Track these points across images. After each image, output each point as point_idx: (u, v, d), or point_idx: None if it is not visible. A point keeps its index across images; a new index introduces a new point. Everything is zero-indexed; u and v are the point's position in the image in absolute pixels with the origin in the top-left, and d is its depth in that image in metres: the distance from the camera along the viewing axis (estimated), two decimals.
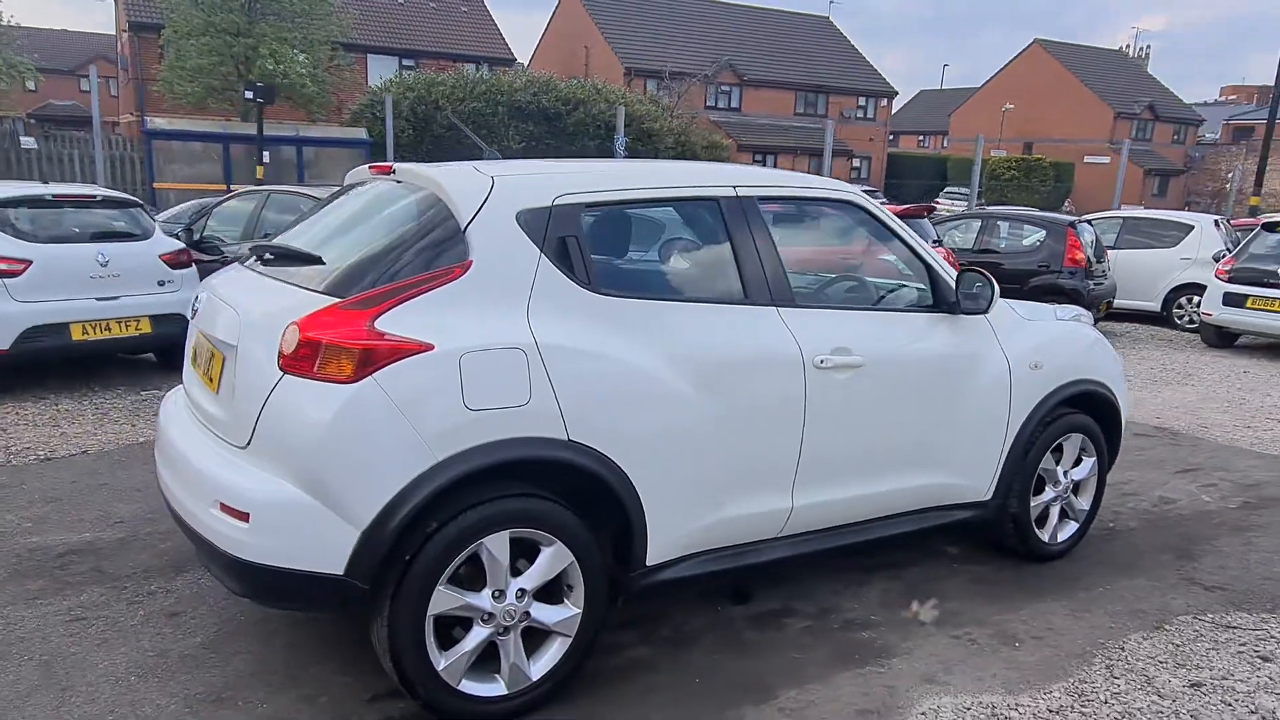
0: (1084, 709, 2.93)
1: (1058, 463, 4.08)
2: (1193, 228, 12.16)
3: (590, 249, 2.90)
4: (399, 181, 3.09)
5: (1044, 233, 10.68)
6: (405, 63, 32.58)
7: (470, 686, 2.68)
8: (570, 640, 2.82)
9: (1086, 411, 4.10)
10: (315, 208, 3.45)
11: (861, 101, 44.37)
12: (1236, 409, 7.46)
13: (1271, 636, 3.47)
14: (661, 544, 2.95)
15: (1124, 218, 13.09)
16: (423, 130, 21.60)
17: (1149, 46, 64.83)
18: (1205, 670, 3.21)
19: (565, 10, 42.22)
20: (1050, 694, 3.02)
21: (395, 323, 2.52)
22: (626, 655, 3.19)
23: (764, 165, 39.36)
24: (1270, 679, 3.15)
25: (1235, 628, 3.54)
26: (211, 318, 2.94)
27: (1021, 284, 9.96)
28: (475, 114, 21.99)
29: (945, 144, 58.47)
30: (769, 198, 3.36)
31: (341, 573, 2.47)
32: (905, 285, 3.81)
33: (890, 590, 3.77)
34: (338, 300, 2.59)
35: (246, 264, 3.19)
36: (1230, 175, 31.72)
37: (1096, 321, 6.03)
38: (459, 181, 2.82)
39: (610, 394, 2.76)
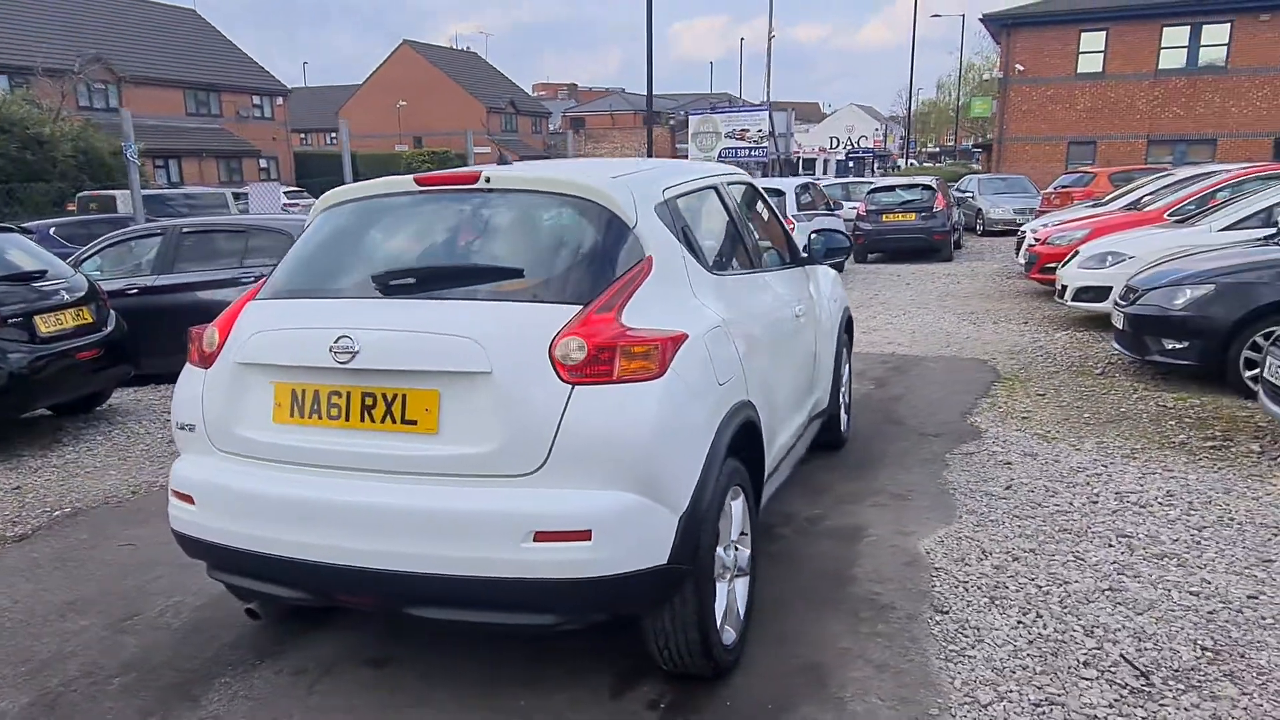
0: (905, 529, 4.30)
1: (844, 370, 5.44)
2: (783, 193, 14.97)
3: (693, 234, 3.26)
4: (515, 190, 3.01)
5: None
6: None
7: (727, 640, 2.96)
8: (748, 577, 3.22)
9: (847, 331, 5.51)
10: (354, 227, 3.09)
11: (257, 100, 42.42)
12: None
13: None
14: (767, 481, 3.49)
15: None
16: None
17: (467, 47, 72.15)
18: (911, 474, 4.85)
19: None
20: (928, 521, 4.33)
21: (633, 319, 2.66)
22: None
23: (165, 170, 35.82)
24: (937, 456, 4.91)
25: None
26: (386, 355, 2.58)
27: None
28: None
29: (332, 140, 58.81)
30: (734, 182, 3.99)
31: (666, 561, 2.57)
32: (774, 247, 4.72)
33: (794, 492, 4.72)
34: (581, 307, 2.61)
35: (355, 296, 2.87)
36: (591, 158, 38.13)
37: None
38: (610, 185, 2.93)
39: (747, 353, 3.20)
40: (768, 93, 40.60)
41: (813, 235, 4.66)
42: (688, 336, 2.71)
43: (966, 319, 10.29)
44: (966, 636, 3.21)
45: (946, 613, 3.39)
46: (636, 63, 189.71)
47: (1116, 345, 7.36)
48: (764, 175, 27.35)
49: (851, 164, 54.90)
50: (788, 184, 13.95)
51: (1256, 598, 3.43)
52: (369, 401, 2.63)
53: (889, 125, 67.72)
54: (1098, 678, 2.92)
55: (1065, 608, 3.39)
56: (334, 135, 58.09)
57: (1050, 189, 20.28)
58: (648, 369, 2.54)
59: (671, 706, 2.85)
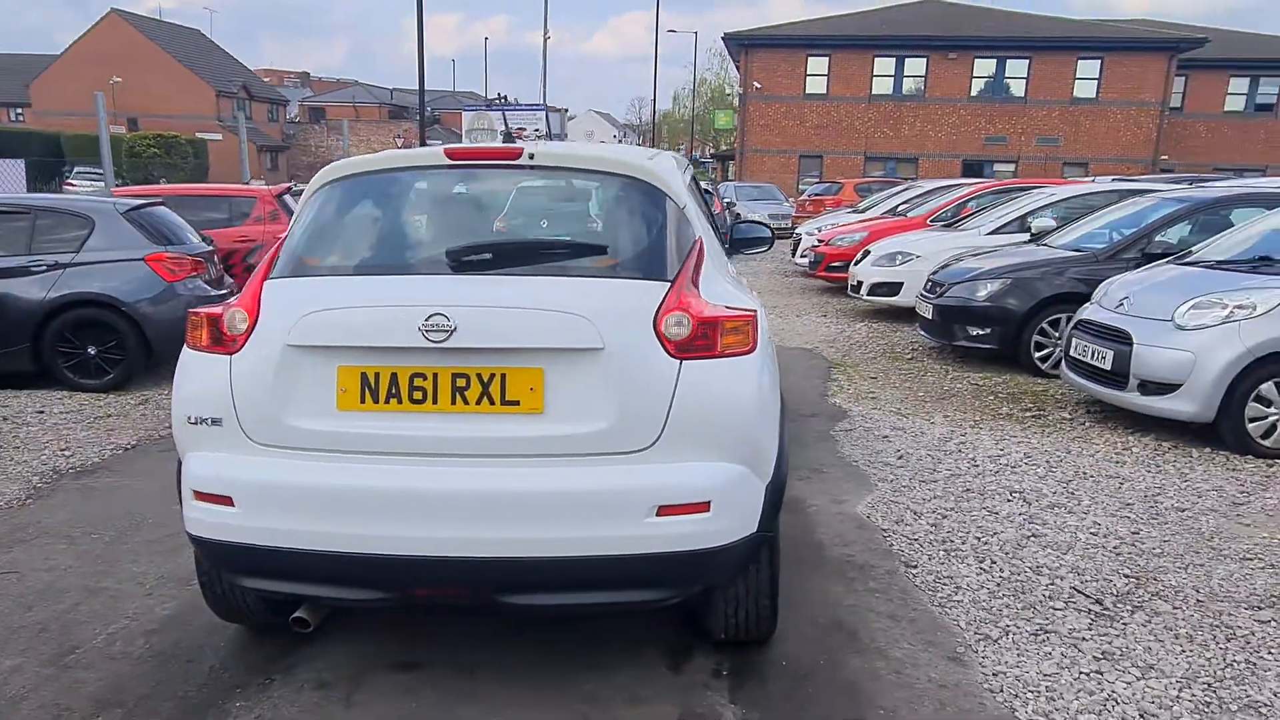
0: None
1: None
2: None
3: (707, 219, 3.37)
4: (563, 169, 2.93)
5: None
6: None
7: None
8: None
9: None
10: (402, 203, 2.88)
11: None
12: None
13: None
14: None
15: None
16: None
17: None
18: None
19: None
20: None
21: (710, 297, 2.73)
22: None
23: None
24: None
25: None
26: (487, 333, 2.45)
27: None
28: None
29: (18, 115, 51.20)
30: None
31: (756, 529, 2.66)
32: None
33: None
34: (669, 284, 2.64)
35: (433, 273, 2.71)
36: (339, 151, 36.35)
37: None
38: (658, 166, 2.96)
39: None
40: (544, 93, 40.72)
41: (736, 226, 4.90)
42: (755, 312, 2.82)
43: (772, 312, 11.07)
44: (946, 586, 3.59)
45: (916, 567, 3.76)
46: (368, 53, 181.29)
47: (924, 332, 8.33)
48: None
49: None
50: None
51: (1139, 533, 4.12)
52: (461, 383, 2.49)
53: (625, 132, 70.38)
54: (1065, 608, 3.40)
55: (1007, 554, 3.88)
56: (19, 111, 50.50)
57: (805, 196, 22.25)
58: (743, 344, 2.62)
59: (735, 673, 2.95)
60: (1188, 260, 6.27)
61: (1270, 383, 5.20)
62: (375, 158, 2.99)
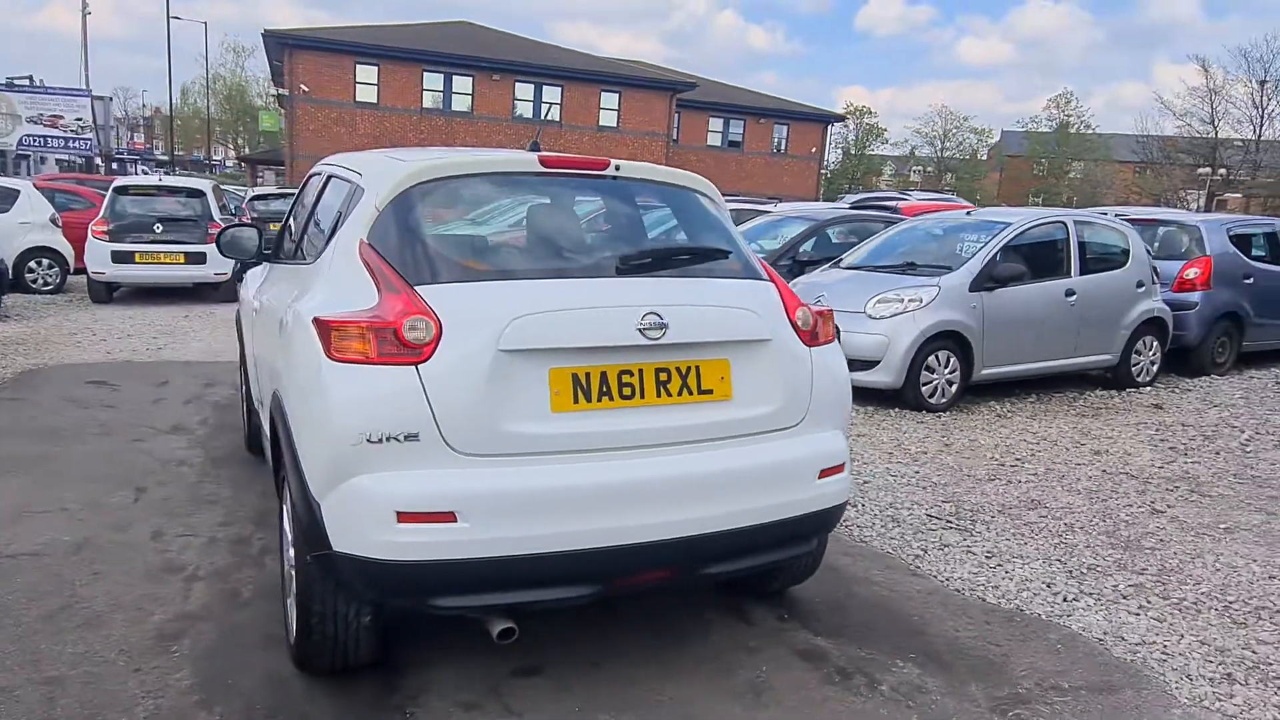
0: None
1: None
2: (19, 192, 12.12)
3: None
4: (642, 180, 3.13)
5: None
6: None
7: None
8: None
9: None
10: (499, 209, 2.80)
11: None
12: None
13: None
14: None
15: None
16: None
17: None
18: None
19: None
20: None
21: None
22: None
23: None
24: None
25: None
26: (691, 329, 2.65)
27: None
28: None
29: None
30: None
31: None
32: None
33: None
34: (770, 282, 3.09)
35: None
36: None
37: None
38: (708, 183, 3.33)
39: None
40: (85, 78, 33.30)
41: None
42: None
43: None
44: (862, 530, 4.45)
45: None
46: None
47: None
48: (95, 170, 22.74)
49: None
50: (205, 184, 12.66)
51: (919, 472, 5.42)
52: (663, 377, 2.67)
53: (118, 126, 61.48)
54: (937, 529, 4.48)
55: (862, 499, 4.89)
56: None
57: None
58: (831, 334, 3.17)
59: (793, 615, 3.46)
60: (846, 265, 8.04)
61: (933, 355, 7.02)
62: (467, 160, 2.92)
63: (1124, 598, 3.73)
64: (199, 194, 12.09)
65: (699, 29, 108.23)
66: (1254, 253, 9.51)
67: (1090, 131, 59.47)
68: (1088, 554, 4.19)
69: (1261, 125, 41.17)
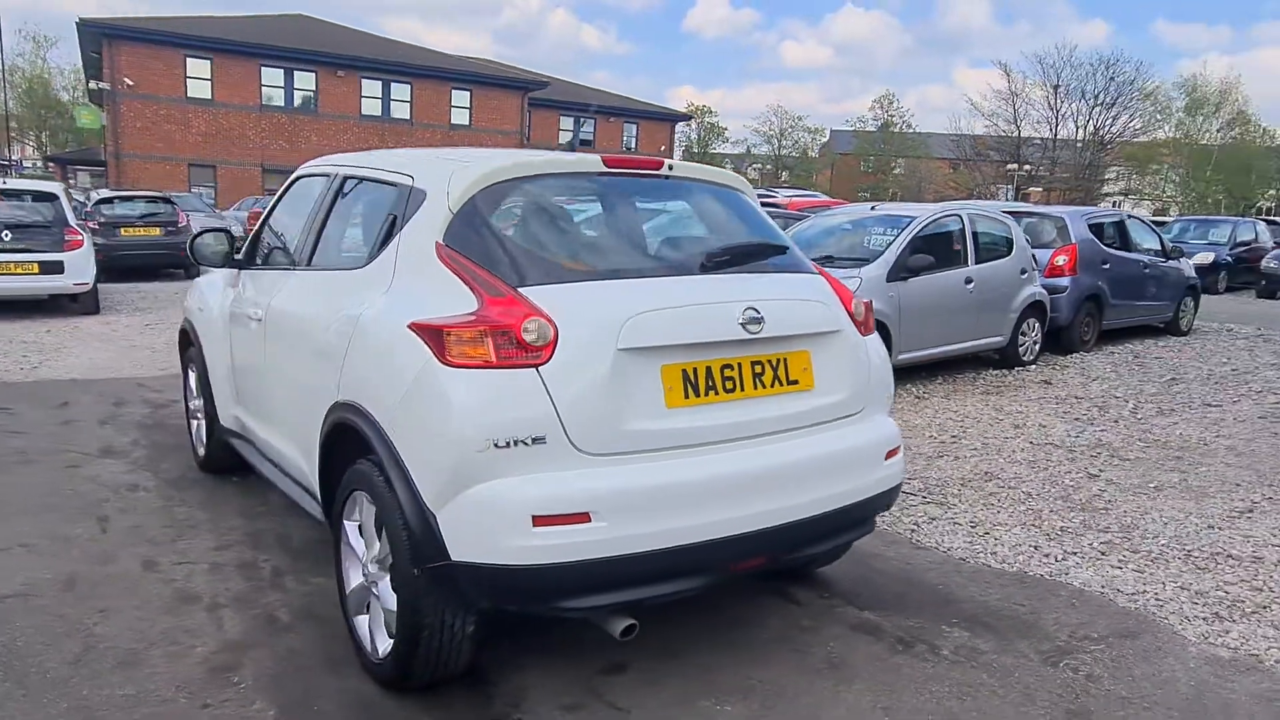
0: None
1: None
2: None
3: None
4: (692, 179, 3.19)
5: None
6: None
7: None
8: None
9: None
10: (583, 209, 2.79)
11: None
12: None
13: None
14: None
15: None
16: None
17: None
18: None
19: None
20: None
21: None
22: None
23: None
24: None
25: None
26: (784, 322, 2.75)
27: None
28: None
29: None
30: None
31: None
32: None
33: None
34: (818, 275, 3.23)
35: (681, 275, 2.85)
36: None
37: None
38: (744, 181, 3.43)
39: None
40: None
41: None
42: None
43: None
44: None
45: None
46: None
47: None
48: None
49: None
50: (56, 187, 11.54)
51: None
52: (758, 369, 2.75)
53: None
54: (919, 504, 4.76)
55: None
56: None
57: (248, 210, 20.79)
58: (873, 324, 3.34)
59: (836, 594, 3.62)
60: None
61: None
62: (537, 160, 2.90)
63: (1102, 555, 4.12)
64: (50, 197, 11.03)
65: (532, 27, 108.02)
66: (1105, 240, 10.53)
67: (910, 130, 63.52)
68: (1055, 518, 4.58)
69: (1057, 126, 45.33)
